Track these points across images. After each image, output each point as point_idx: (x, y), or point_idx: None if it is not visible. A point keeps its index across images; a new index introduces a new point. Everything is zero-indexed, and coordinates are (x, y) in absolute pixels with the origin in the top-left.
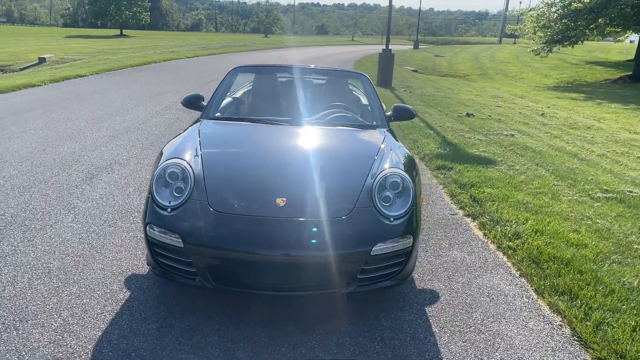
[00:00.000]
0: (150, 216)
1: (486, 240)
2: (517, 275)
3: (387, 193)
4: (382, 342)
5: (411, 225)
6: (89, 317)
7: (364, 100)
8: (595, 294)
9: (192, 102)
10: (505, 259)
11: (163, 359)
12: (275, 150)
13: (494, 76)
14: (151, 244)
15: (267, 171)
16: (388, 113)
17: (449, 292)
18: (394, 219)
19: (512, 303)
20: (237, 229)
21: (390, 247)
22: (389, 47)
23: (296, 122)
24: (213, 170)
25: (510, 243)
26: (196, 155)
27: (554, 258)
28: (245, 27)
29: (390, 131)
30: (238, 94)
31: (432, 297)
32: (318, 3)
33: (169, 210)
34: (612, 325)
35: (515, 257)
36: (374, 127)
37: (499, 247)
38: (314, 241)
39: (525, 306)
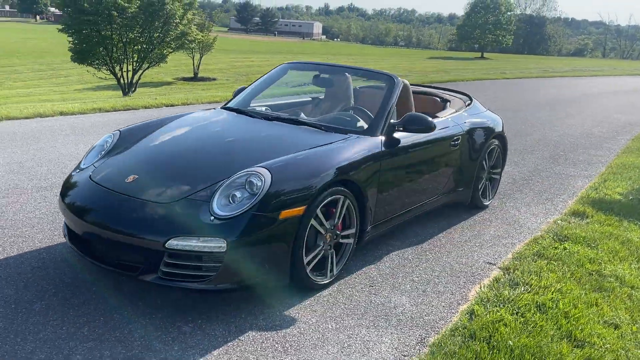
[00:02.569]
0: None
1: (471, 298)
2: (428, 343)
3: (238, 192)
4: (145, 341)
5: (232, 230)
6: (17, 247)
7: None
8: None
9: (237, 94)
10: (457, 324)
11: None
12: (191, 136)
13: None
14: None
15: (151, 153)
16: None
17: (299, 331)
18: (216, 219)
19: None
20: (83, 196)
21: (196, 246)
22: None
23: (282, 118)
24: (128, 146)
25: (483, 309)
26: (143, 133)
27: (503, 342)
28: None
29: (381, 140)
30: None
31: (264, 328)
32: None
33: (77, 172)
34: None
35: (461, 322)
36: (353, 132)
37: (468, 311)
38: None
39: None
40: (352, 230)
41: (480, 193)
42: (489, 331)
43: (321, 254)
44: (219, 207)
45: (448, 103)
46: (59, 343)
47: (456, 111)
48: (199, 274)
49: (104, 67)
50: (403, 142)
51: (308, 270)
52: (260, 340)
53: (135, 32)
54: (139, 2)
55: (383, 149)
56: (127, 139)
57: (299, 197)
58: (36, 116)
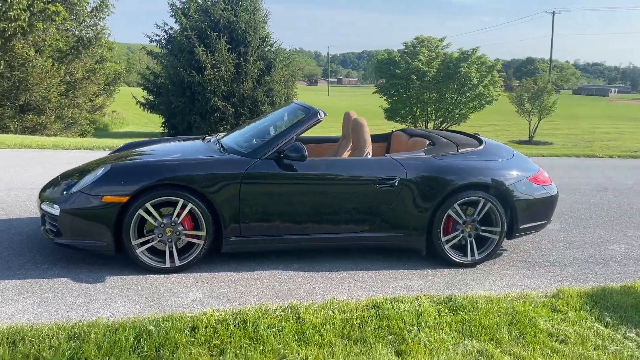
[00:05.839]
0: None
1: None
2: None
3: (90, 177)
4: None
5: (65, 201)
6: None
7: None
8: None
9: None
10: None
11: None
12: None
13: None
14: None
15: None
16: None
17: (79, 288)
18: (66, 193)
19: None
20: None
21: (47, 209)
22: None
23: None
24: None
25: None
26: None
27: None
28: None
29: (253, 163)
30: None
31: (74, 278)
32: None
33: None
34: None
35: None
36: (236, 153)
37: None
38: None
39: None
40: (201, 233)
41: (448, 246)
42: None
43: (155, 242)
44: (76, 186)
45: (432, 147)
46: None
47: (425, 154)
48: (53, 230)
49: (404, 123)
50: (300, 169)
51: (138, 251)
52: (60, 283)
53: (432, 93)
54: (438, 67)
55: (249, 170)
56: (125, 148)
57: (124, 190)
58: None
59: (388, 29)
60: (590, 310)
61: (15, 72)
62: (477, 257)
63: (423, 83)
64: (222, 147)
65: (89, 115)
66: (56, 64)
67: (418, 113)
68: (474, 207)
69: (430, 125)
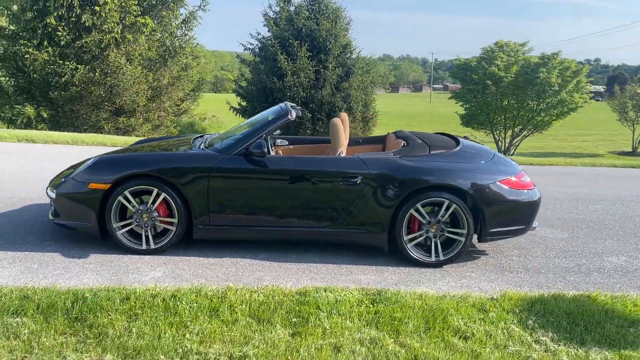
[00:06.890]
0: None
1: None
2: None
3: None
4: None
5: (60, 186)
6: None
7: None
8: None
9: None
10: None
11: None
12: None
13: None
14: None
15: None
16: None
17: (61, 259)
18: (64, 179)
19: None
20: None
21: (49, 193)
22: None
23: (211, 138)
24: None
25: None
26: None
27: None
28: None
29: (222, 158)
30: None
31: (61, 253)
32: None
33: None
34: None
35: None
36: (213, 150)
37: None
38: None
39: None
40: (174, 220)
41: (412, 245)
42: None
43: (133, 225)
44: (72, 174)
45: (404, 147)
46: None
47: (394, 154)
48: (53, 212)
49: (482, 130)
50: (268, 165)
51: (119, 233)
52: (49, 256)
53: (509, 99)
54: (516, 72)
55: (218, 164)
56: (137, 143)
57: (106, 178)
58: None
59: (501, 34)
60: (518, 313)
61: (109, 78)
62: (441, 257)
63: (500, 89)
64: (206, 143)
65: (175, 118)
66: (144, 71)
67: (496, 120)
68: (440, 207)
69: (509, 133)
